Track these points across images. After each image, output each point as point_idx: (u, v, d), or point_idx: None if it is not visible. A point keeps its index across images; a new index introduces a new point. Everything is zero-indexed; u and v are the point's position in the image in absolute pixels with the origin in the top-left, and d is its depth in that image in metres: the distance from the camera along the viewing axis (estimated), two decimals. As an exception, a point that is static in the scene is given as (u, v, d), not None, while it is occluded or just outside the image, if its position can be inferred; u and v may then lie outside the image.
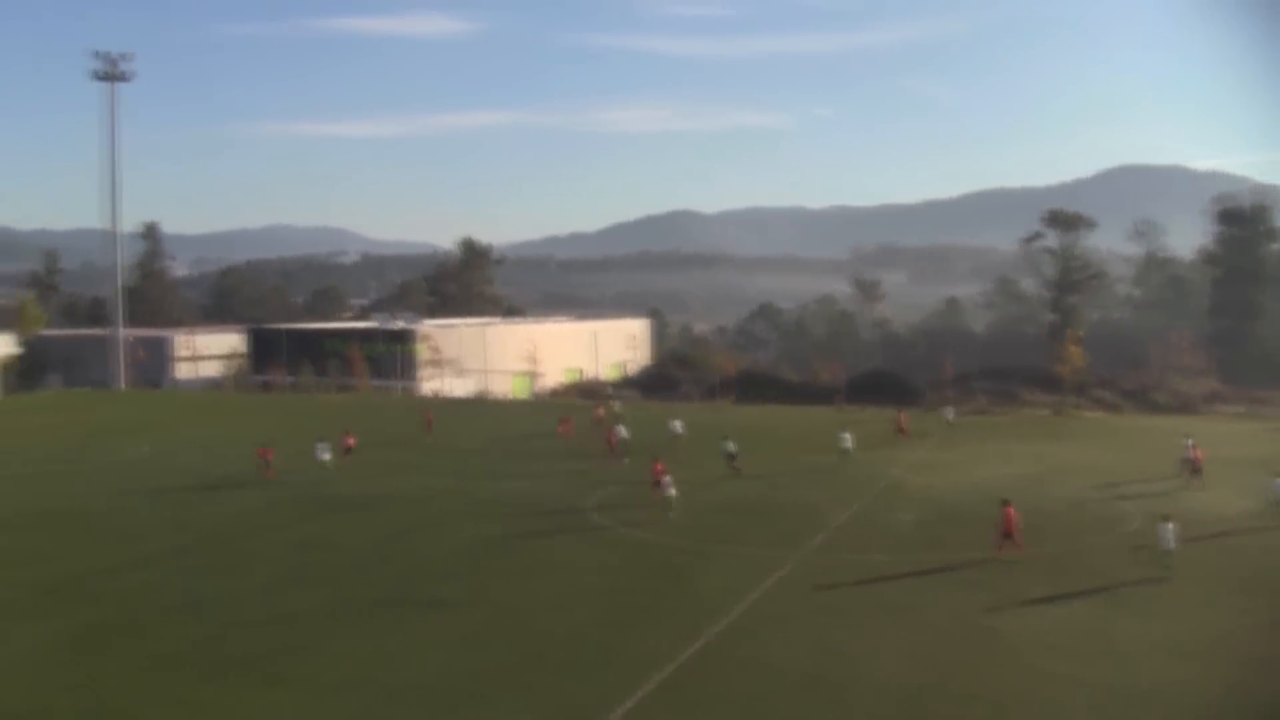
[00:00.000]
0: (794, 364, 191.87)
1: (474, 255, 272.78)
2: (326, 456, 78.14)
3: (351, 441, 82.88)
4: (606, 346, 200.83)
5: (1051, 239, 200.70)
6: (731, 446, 76.24)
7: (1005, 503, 51.34)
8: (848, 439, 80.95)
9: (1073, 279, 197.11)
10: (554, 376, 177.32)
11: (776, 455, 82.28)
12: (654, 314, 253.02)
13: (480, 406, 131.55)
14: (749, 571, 47.72)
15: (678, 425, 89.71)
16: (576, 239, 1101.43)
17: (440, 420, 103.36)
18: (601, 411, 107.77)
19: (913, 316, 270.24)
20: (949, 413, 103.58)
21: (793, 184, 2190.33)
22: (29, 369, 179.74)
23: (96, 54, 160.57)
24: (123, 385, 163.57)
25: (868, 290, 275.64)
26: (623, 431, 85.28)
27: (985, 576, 46.75)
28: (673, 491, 61.00)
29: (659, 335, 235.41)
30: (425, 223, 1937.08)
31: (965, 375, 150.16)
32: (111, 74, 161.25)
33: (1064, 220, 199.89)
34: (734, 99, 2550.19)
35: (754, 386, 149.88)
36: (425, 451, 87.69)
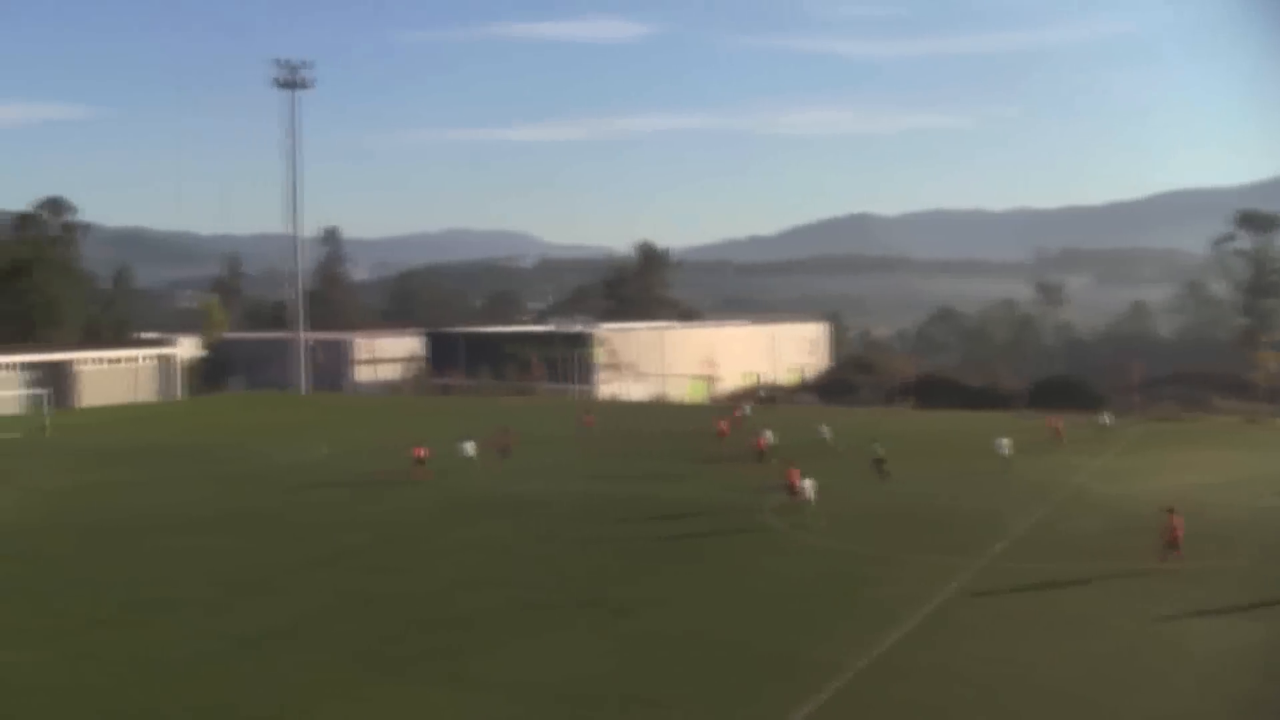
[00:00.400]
0: (975, 369, 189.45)
1: (651, 259, 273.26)
2: (471, 454, 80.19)
3: (506, 441, 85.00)
4: (784, 350, 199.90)
5: (1244, 240, 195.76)
6: (880, 451, 75.81)
7: (1170, 510, 50.26)
8: (1005, 445, 79.73)
9: (1267, 281, 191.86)
10: (731, 380, 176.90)
11: (956, 461, 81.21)
12: (832, 318, 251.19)
13: (656, 410, 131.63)
14: (928, 579, 47.24)
15: (825, 430, 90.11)
16: (754, 242, 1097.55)
17: (616, 423, 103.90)
18: (738, 414, 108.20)
19: (1098, 321, 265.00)
20: (1106, 418, 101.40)
21: (973, 186, 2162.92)
22: (212, 371, 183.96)
23: (278, 62, 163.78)
24: (304, 387, 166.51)
25: (1051, 294, 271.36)
26: (770, 436, 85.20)
27: (1171, 587, 45.70)
28: (812, 495, 60.86)
29: (837, 339, 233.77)
30: (602, 226, 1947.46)
31: (1153, 381, 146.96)
32: (292, 81, 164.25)
33: (1258, 221, 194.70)
34: (913, 100, 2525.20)
35: (934, 392, 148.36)
36: (599, 454, 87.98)
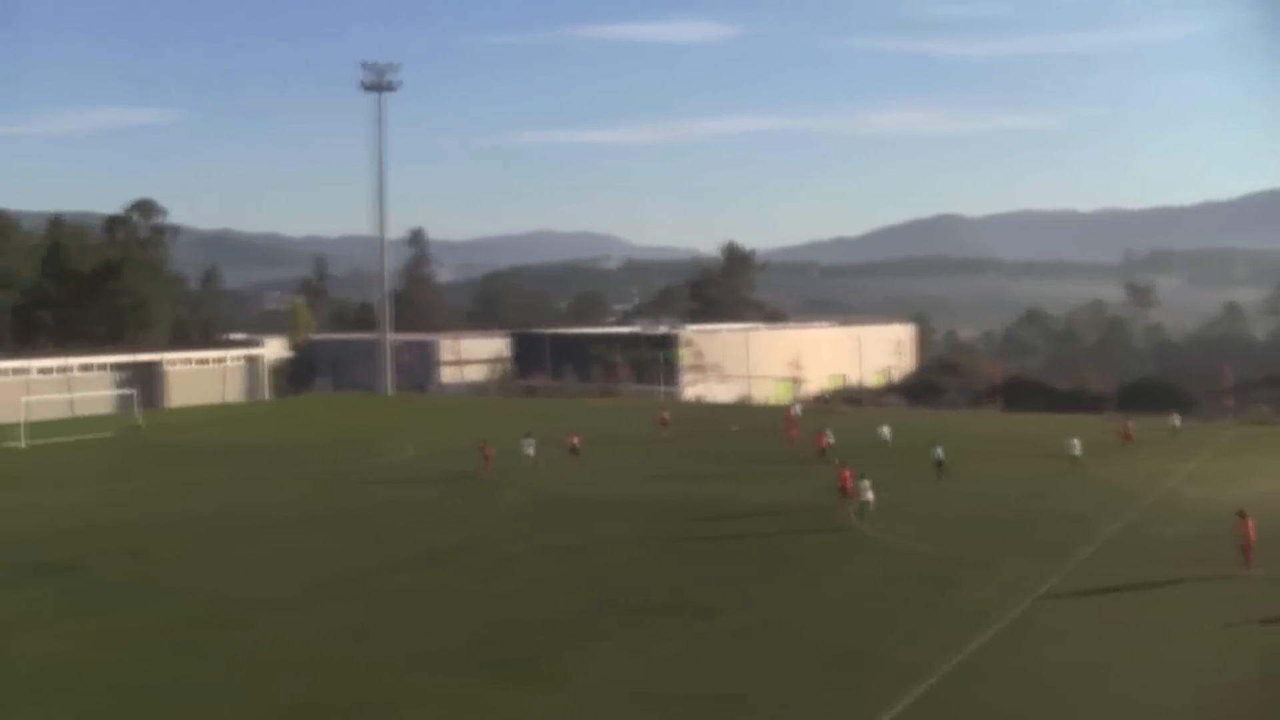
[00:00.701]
0: (1063, 372, 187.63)
1: (736, 260, 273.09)
2: (530, 452, 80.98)
3: (576, 441, 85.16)
4: (870, 352, 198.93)
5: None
6: (940, 453, 75.52)
7: (1242, 514, 49.31)
8: (1076, 445, 78.97)
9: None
10: (817, 382, 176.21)
11: (1042, 465, 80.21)
12: (918, 319, 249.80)
13: (739, 412, 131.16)
14: (1014, 582, 46.60)
15: (885, 431, 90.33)
16: (839, 244, 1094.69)
17: (698, 424, 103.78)
18: (791, 414, 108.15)
19: (1189, 323, 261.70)
20: (1176, 420, 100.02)
21: (1062, 186, 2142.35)
22: (299, 372, 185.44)
23: (364, 65, 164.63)
24: (389, 389, 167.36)
25: (1141, 295, 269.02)
26: (830, 436, 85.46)
27: (1267, 594, 44.85)
28: (869, 496, 60.17)
29: (923, 341, 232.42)
30: (688, 228, 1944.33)
31: (1246, 384, 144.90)
32: (379, 84, 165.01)
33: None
34: (1000, 100, 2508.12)
35: (1020, 394, 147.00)
36: (679, 455, 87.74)
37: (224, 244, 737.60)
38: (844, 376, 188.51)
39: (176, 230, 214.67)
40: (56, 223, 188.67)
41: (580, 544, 56.79)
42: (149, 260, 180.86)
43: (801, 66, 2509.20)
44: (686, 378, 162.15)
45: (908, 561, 51.36)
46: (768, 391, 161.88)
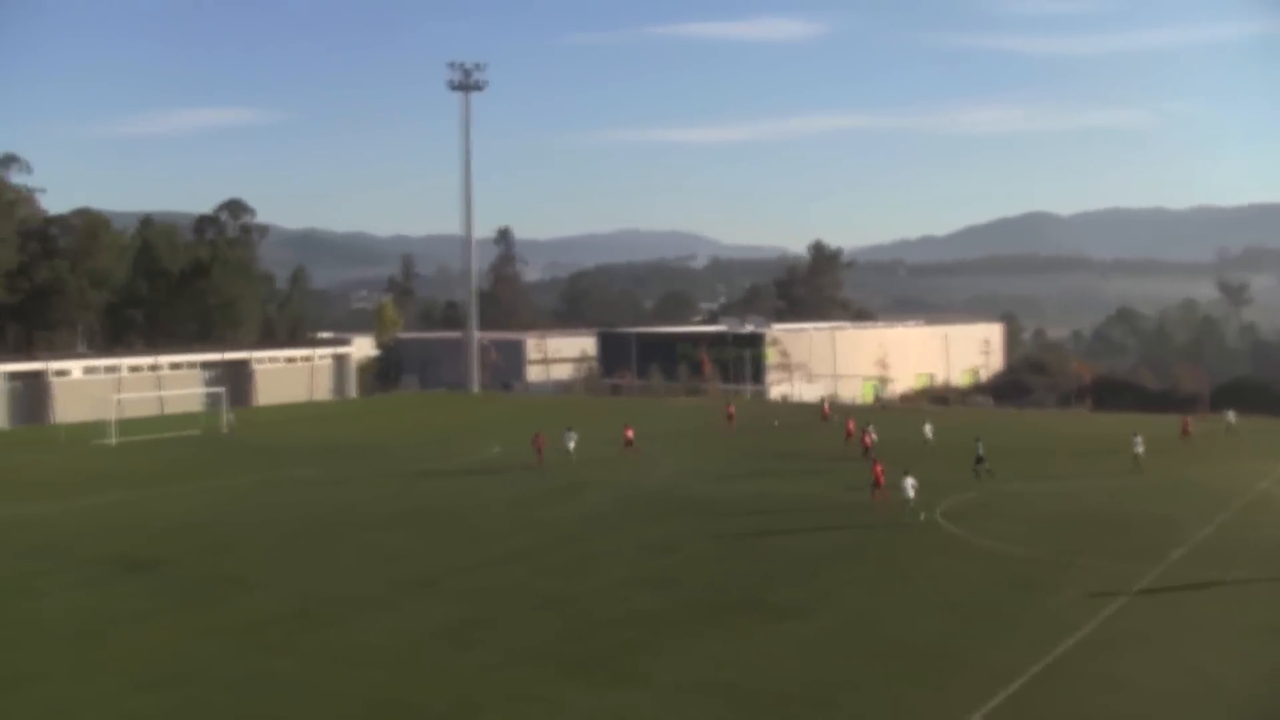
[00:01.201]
0: (1154, 371, 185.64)
1: (823, 259, 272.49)
2: (571, 445, 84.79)
3: (631, 435, 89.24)
4: (958, 352, 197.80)
5: None
6: (981, 449, 75.35)
7: None
8: (1140, 443, 78.26)
9: None
10: (904, 382, 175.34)
11: (1130, 464, 79.16)
12: (1007, 318, 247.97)
13: (888, 411, 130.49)
14: (1104, 584, 45.96)
15: (928, 430, 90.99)
16: (927, 242, 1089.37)
17: (784, 423, 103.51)
18: (827, 410, 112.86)
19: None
20: (1231, 416, 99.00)
21: (1152, 183, 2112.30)
22: (386, 371, 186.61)
23: (451, 65, 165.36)
24: (476, 387, 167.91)
25: (1234, 294, 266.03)
26: (873, 434, 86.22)
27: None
28: (912, 494, 60.27)
29: (1011, 340, 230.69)
30: (774, 226, 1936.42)
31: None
32: (466, 84, 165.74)
33: None
34: (1090, 97, 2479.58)
35: (1111, 394, 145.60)
36: (764, 456, 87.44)
37: (312, 243, 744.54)
38: (931, 376, 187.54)
39: (265, 230, 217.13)
40: (147, 222, 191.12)
41: (662, 542, 56.75)
42: (238, 259, 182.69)
43: (889, 64, 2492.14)
44: (772, 377, 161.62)
45: (995, 561, 50.87)
46: (854, 391, 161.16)
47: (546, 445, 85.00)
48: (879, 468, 66.61)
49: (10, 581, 50.85)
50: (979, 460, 74.35)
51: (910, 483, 60.85)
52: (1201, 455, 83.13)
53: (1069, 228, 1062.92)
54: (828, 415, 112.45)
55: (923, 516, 59.91)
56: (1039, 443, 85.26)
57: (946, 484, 70.30)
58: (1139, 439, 78.33)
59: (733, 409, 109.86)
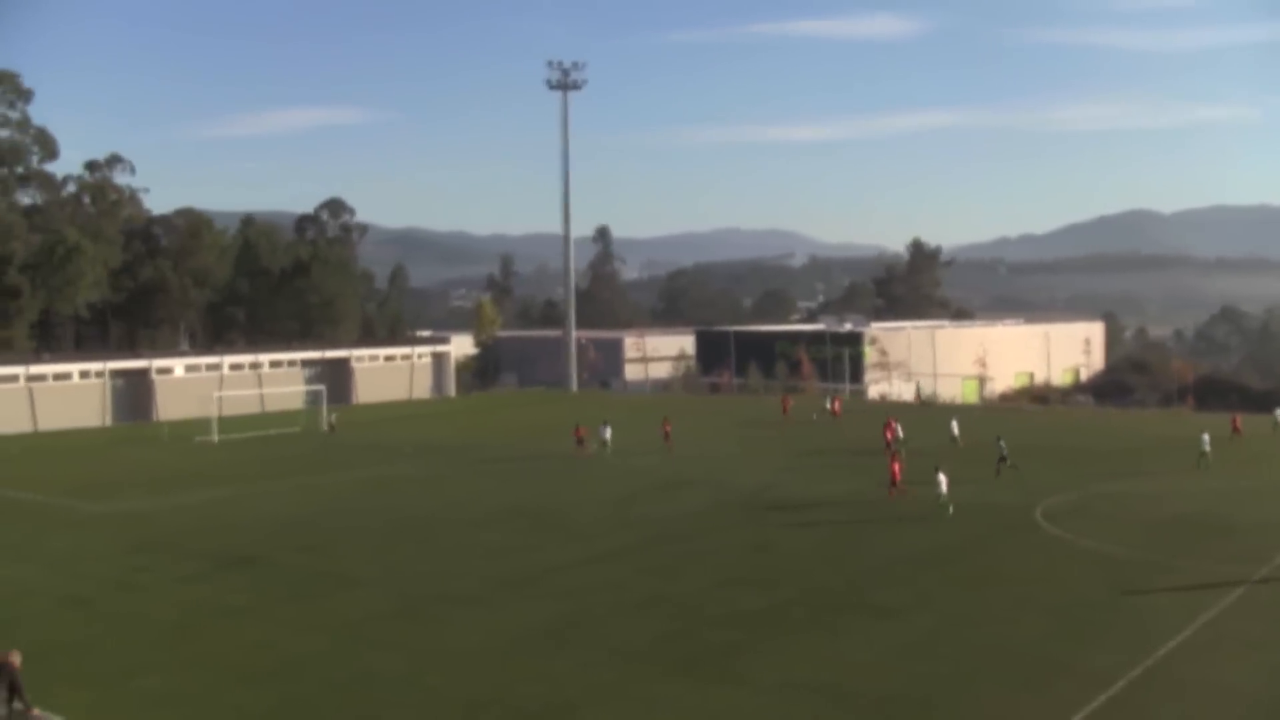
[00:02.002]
0: (1259, 370, 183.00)
1: (922, 257, 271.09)
2: (607, 437, 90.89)
3: (668, 428, 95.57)
4: (1058, 351, 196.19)
5: None
6: (1004, 448, 75.84)
7: None
8: (1206, 440, 78.02)
9: None
10: (1004, 381, 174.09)
11: (1236, 467, 78.10)
12: (1107, 317, 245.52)
13: (929, 410, 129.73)
14: (1206, 588, 45.29)
15: (955, 428, 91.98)
16: (1027, 240, 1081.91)
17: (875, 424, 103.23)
18: (838, 405, 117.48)
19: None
20: (1279, 415, 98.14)
21: (1258, 180, 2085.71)
22: (485, 369, 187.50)
23: (550, 64, 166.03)
24: (574, 386, 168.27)
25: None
26: (899, 429, 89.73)
27: None
28: (944, 490, 61.90)
29: (1112, 339, 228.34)
30: (873, 224, 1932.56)
31: None
32: (564, 83, 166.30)
33: None
34: (1192, 92, 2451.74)
35: (1214, 393, 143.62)
36: (858, 453, 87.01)
37: (412, 242, 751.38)
38: (1031, 375, 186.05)
39: (365, 229, 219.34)
40: (248, 222, 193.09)
41: (760, 540, 56.63)
42: (338, 258, 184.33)
43: (989, 61, 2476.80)
44: (871, 376, 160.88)
45: (1094, 563, 50.28)
46: (954, 390, 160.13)
47: (587, 434, 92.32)
48: (896, 465, 68.32)
49: (118, 576, 51.64)
50: (1002, 459, 74.86)
51: (943, 478, 62.61)
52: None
53: (1171, 225, 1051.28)
54: (838, 414, 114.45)
55: (951, 511, 61.20)
56: (1139, 443, 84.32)
57: (1044, 485, 69.77)
58: (1206, 436, 78.29)
59: (789, 400, 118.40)
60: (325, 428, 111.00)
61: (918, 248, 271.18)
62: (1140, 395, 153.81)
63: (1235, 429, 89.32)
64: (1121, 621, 41.11)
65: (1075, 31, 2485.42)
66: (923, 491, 64.50)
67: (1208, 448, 77.62)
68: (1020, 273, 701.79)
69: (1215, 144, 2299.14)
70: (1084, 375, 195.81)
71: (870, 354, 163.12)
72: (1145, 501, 64.52)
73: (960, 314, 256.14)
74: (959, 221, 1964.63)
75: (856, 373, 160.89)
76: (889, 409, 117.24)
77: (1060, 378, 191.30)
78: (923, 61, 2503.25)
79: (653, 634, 40.50)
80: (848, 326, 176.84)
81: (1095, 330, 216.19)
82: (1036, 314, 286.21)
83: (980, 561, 51.32)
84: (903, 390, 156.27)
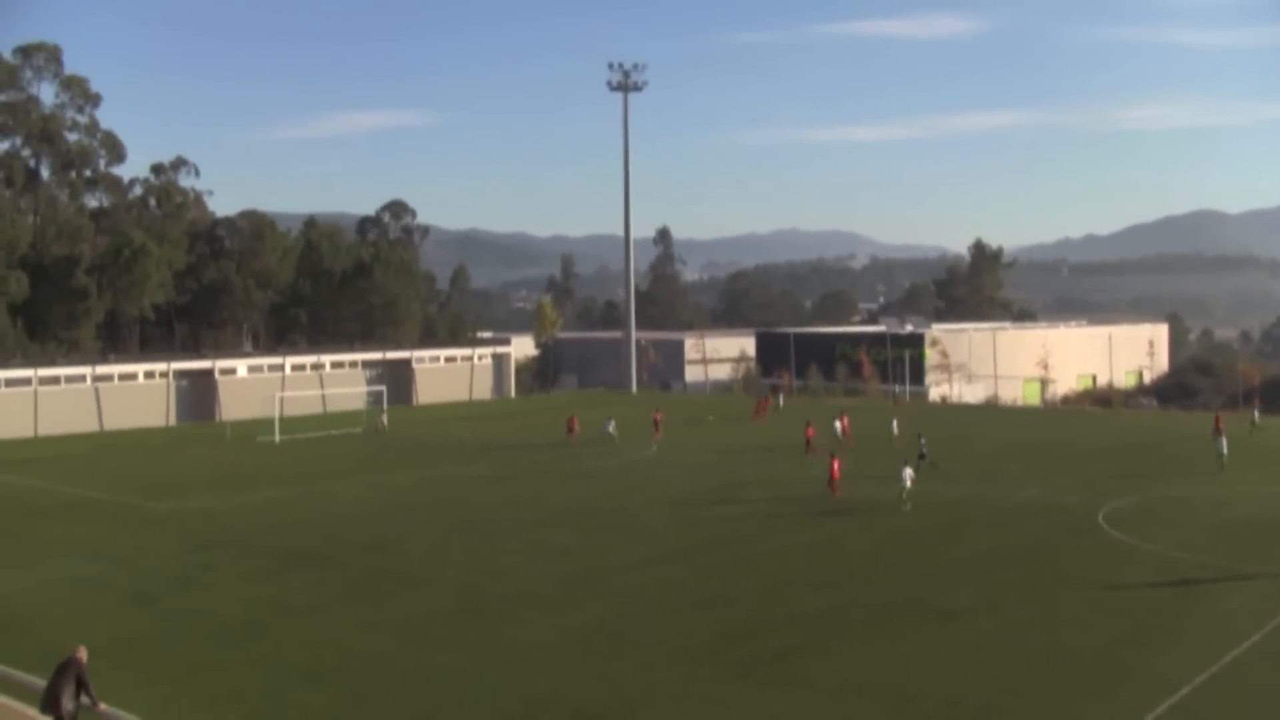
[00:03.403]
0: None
1: (984, 258, 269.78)
2: (610, 429, 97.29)
3: (659, 416, 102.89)
4: (1121, 353, 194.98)
5: None
6: (924, 444, 78.73)
7: None
8: (1224, 443, 78.34)
9: None
10: (1066, 383, 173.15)
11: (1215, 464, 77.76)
12: (1172, 319, 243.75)
13: (988, 413, 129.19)
14: (1273, 593, 44.89)
15: (895, 426, 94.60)
16: (1090, 241, 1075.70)
17: (944, 427, 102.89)
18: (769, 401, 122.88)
19: None
20: (1256, 413, 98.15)
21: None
22: (545, 370, 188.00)
23: (611, 65, 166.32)
24: (634, 387, 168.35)
25: None
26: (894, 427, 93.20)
27: None
28: (907, 485, 64.65)
29: (1177, 341, 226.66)
30: (935, 225, 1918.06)
31: None
32: (625, 84, 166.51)
33: None
34: (1261, 89, 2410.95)
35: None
36: (938, 456, 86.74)
37: (472, 243, 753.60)
38: (1094, 377, 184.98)
39: (426, 230, 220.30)
40: (311, 223, 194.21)
41: (821, 541, 56.66)
42: (399, 260, 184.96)
43: (1052, 59, 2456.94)
44: (932, 378, 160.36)
45: (1160, 567, 49.94)
46: (1015, 392, 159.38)
47: (578, 430, 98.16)
48: (836, 463, 69.88)
49: (184, 573, 52.18)
50: (921, 456, 76.59)
51: (908, 473, 64.82)
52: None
53: (1238, 226, 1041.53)
54: (848, 436, 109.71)
55: (909, 507, 63.44)
56: (1205, 446, 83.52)
57: (1107, 489, 69.42)
58: (1224, 439, 79.24)
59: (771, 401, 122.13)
60: (375, 429, 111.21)
61: (979, 249, 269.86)
62: (1205, 398, 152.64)
63: (1217, 429, 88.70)
64: (1187, 626, 40.82)
65: (1138, 29, 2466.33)
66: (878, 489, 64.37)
67: (1225, 450, 77.86)
68: (1083, 274, 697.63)
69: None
70: (1147, 378, 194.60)
71: (931, 355, 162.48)
72: (1211, 505, 64.05)
73: (1022, 315, 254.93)
74: (1021, 222, 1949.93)
75: (918, 374, 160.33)
76: (843, 407, 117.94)
77: (1123, 380, 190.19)
78: (985, 61, 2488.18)
79: (713, 634, 40.47)
80: (908, 328, 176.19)
81: (1159, 332, 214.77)
82: (1100, 315, 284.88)
83: (1043, 565, 51.03)
84: (964, 392, 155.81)
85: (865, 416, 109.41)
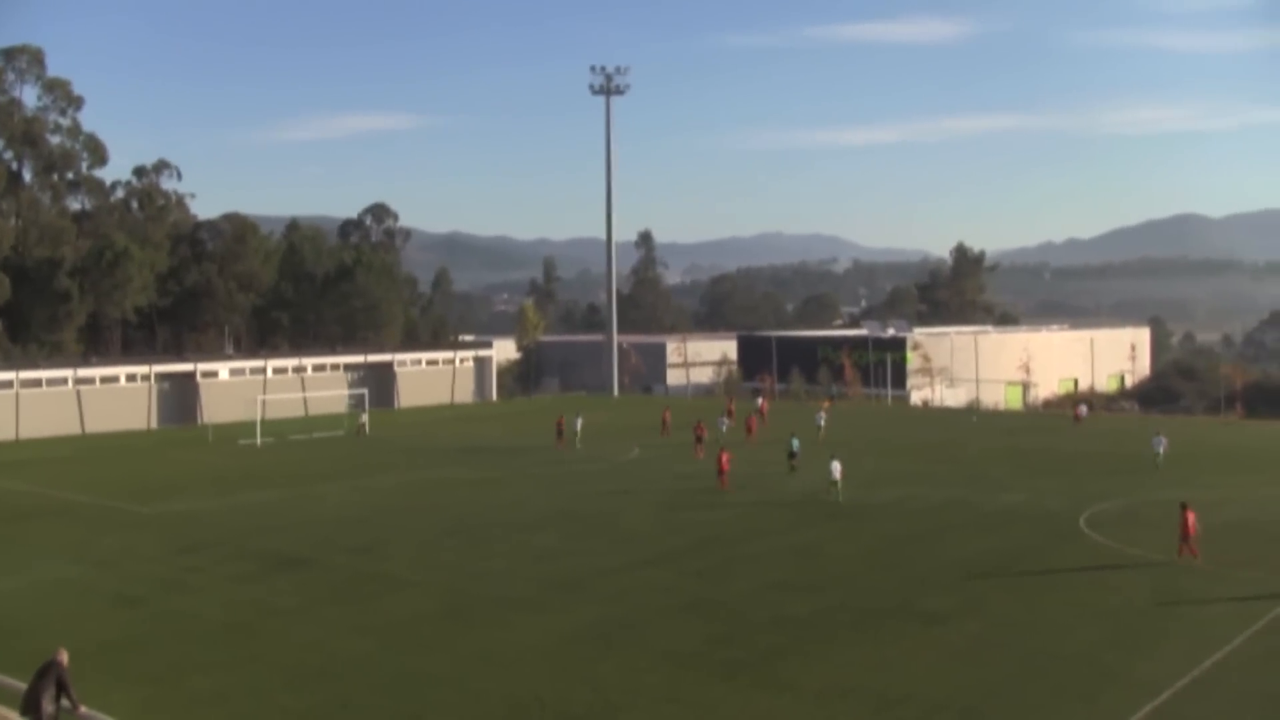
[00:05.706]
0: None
1: (966, 262, 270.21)
2: (579, 426, 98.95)
3: (667, 416, 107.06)
4: (1103, 356, 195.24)
5: None
6: (795, 445, 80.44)
7: (1184, 506, 51.52)
8: (1162, 443, 79.71)
9: None
10: (1048, 387, 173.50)
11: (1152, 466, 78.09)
12: (1154, 323, 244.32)
13: (973, 416, 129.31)
14: (1256, 597, 45.07)
15: (821, 419, 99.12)
16: (1072, 245, 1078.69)
17: (946, 430, 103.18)
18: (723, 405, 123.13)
19: None
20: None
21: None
22: (527, 373, 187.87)
23: (594, 69, 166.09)
24: (616, 390, 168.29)
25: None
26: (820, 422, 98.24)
27: None
28: (836, 477, 68.09)
29: (1159, 345, 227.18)
30: (917, 229, 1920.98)
31: None
32: (608, 88, 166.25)
33: None
34: (1246, 95, 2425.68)
35: (1264, 401, 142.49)
36: (922, 461, 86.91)
37: (455, 247, 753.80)
38: (1075, 381, 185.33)
39: (408, 233, 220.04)
40: (293, 226, 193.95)
41: (807, 546, 56.68)
42: (382, 263, 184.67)
43: (1036, 64, 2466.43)
44: (914, 381, 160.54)
45: (1144, 571, 50.09)
46: (997, 396, 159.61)
47: (567, 434, 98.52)
48: (725, 455, 74.08)
49: (169, 575, 52.12)
50: (792, 455, 79.56)
51: (836, 466, 68.18)
52: None
53: (1220, 229, 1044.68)
54: (753, 430, 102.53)
55: (840, 499, 66.92)
56: (1186, 450, 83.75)
57: (1089, 492, 69.62)
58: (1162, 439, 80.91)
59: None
60: (357, 431, 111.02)
61: (962, 253, 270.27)
62: (1187, 402, 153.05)
63: (1077, 418, 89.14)
64: (1170, 630, 40.96)
65: (1122, 34, 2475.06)
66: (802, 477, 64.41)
67: (1161, 450, 79.63)
68: (1065, 278, 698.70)
69: (1266, 148, 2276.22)
70: (1129, 381, 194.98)
71: (913, 359, 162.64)
72: (1194, 509, 64.19)
73: (1004, 319, 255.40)
74: (1004, 226, 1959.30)
75: (900, 378, 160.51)
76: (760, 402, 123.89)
77: (1105, 384, 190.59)
78: (969, 65, 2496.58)
79: (698, 637, 40.58)
80: (891, 332, 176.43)
81: (1141, 336, 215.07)
82: (1082, 319, 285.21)
83: (1027, 569, 51.12)
84: (946, 396, 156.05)
85: (807, 416, 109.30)
